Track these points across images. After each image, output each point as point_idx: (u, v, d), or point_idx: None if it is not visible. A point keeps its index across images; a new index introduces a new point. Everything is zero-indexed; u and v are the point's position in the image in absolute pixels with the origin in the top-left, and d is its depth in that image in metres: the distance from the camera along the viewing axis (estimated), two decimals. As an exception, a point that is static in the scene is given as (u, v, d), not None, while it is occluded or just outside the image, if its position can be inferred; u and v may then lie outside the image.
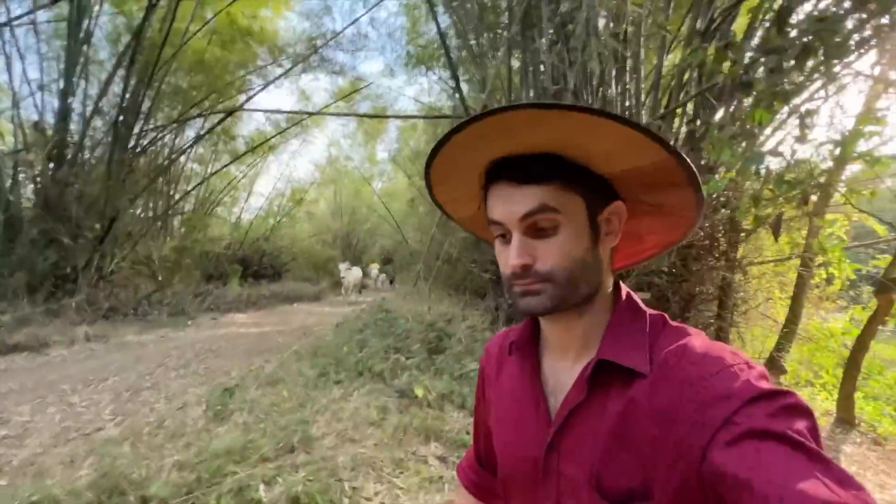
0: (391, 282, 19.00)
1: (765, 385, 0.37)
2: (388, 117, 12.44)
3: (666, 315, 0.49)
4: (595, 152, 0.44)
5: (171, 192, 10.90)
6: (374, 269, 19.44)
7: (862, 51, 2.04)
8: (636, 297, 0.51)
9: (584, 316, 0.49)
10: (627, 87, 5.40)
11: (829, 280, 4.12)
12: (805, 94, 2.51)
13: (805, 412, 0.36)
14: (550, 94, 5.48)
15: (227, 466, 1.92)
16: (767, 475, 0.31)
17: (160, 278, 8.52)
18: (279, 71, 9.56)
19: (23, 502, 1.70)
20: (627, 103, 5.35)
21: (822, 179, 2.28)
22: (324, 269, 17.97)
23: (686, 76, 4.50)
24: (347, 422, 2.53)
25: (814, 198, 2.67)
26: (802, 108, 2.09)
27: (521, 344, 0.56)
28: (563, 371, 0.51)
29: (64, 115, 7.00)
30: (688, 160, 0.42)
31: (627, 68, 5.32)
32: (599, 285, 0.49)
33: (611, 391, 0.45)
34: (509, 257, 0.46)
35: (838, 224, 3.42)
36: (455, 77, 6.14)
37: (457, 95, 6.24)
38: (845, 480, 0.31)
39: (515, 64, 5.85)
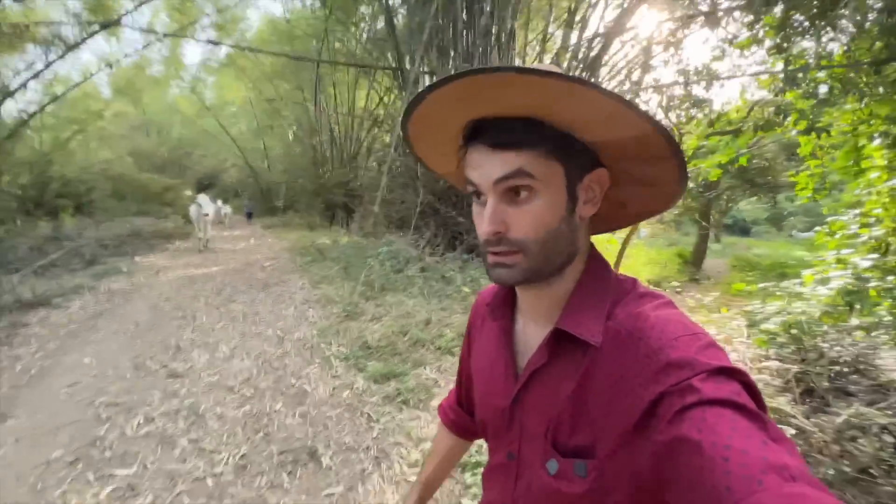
0: (249, 215, 17.40)
1: (710, 355, 0.40)
2: (320, 61, 11.33)
3: (637, 280, 0.52)
4: (577, 120, 0.44)
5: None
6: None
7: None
8: (604, 262, 0.53)
9: (553, 285, 0.51)
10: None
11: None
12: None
13: (744, 376, 0.39)
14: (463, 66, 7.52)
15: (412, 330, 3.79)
16: (713, 437, 0.34)
17: (18, 222, 7.06)
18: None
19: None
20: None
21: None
22: (159, 200, 15.31)
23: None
24: (434, 308, 4.45)
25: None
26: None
27: (494, 307, 0.60)
28: (532, 334, 0.55)
29: None
30: (670, 134, 0.42)
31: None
32: (574, 254, 0.50)
33: (571, 357, 0.48)
34: (483, 223, 0.47)
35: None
36: (392, 30, 7.37)
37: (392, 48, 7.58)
38: (779, 438, 0.35)
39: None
